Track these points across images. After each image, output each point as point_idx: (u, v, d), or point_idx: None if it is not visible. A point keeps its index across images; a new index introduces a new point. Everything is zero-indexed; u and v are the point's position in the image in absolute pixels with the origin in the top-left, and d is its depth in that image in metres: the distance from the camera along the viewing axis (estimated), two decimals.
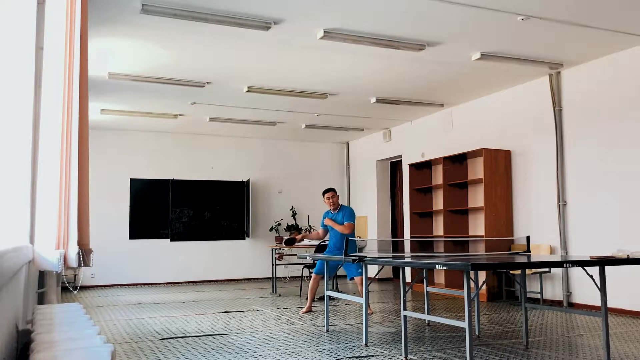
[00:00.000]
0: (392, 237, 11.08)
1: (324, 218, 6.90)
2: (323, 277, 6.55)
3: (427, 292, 5.76)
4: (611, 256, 4.02)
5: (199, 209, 11.10)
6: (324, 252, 6.92)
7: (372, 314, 6.60)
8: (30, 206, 3.00)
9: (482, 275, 6.80)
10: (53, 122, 2.87)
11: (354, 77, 7.33)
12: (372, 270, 7.97)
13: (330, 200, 6.76)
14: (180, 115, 9.40)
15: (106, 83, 7.29)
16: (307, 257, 6.21)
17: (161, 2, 4.87)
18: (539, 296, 7.05)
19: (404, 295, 4.35)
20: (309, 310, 6.80)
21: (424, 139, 9.82)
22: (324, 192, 6.88)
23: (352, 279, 6.75)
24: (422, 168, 9.45)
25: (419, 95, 8.35)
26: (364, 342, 4.82)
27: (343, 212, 6.78)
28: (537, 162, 7.44)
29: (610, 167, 6.44)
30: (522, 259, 4.34)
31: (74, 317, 2.67)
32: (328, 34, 5.61)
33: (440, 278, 8.90)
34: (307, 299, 6.98)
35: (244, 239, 11.38)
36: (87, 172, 3.03)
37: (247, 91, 7.75)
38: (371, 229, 11.28)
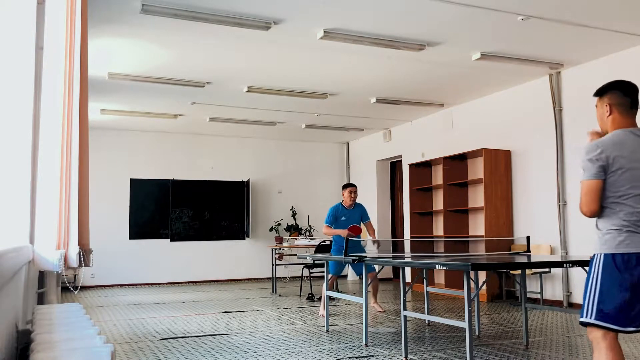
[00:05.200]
0: (392, 237, 11.08)
1: (334, 214, 6.59)
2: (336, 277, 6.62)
3: (427, 292, 5.76)
4: None
5: (199, 209, 11.10)
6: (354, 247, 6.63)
7: (383, 311, 6.62)
8: (30, 206, 2.99)
9: (482, 275, 6.80)
10: (53, 122, 2.87)
11: (354, 77, 7.33)
12: None
13: (352, 196, 6.69)
14: (180, 115, 9.40)
15: (106, 83, 7.29)
16: (307, 257, 6.21)
17: (161, 2, 4.87)
18: (539, 296, 7.05)
19: (404, 295, 4.35)
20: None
21: (424, 139, 9.82)
22: (348, 186, 6.67)
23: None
24: (422, 168, 9.45)
25: (419, 95, 8.34)
26: (364, 342, 4.82)
27: (361, 210, 6.69)
28: (537, 162, 7.44)
29: None
30: (522, 259, 4.34)
31: (74, 317, 2.66)
32: (328, 34, 5.61)
33: (440, 278, 8.90)
34: (319, 299, 6.91)
35: (244, 239, 11.37)
36: (87, 172, 3.03)
37: (247, 91, 7.75)
38: None
